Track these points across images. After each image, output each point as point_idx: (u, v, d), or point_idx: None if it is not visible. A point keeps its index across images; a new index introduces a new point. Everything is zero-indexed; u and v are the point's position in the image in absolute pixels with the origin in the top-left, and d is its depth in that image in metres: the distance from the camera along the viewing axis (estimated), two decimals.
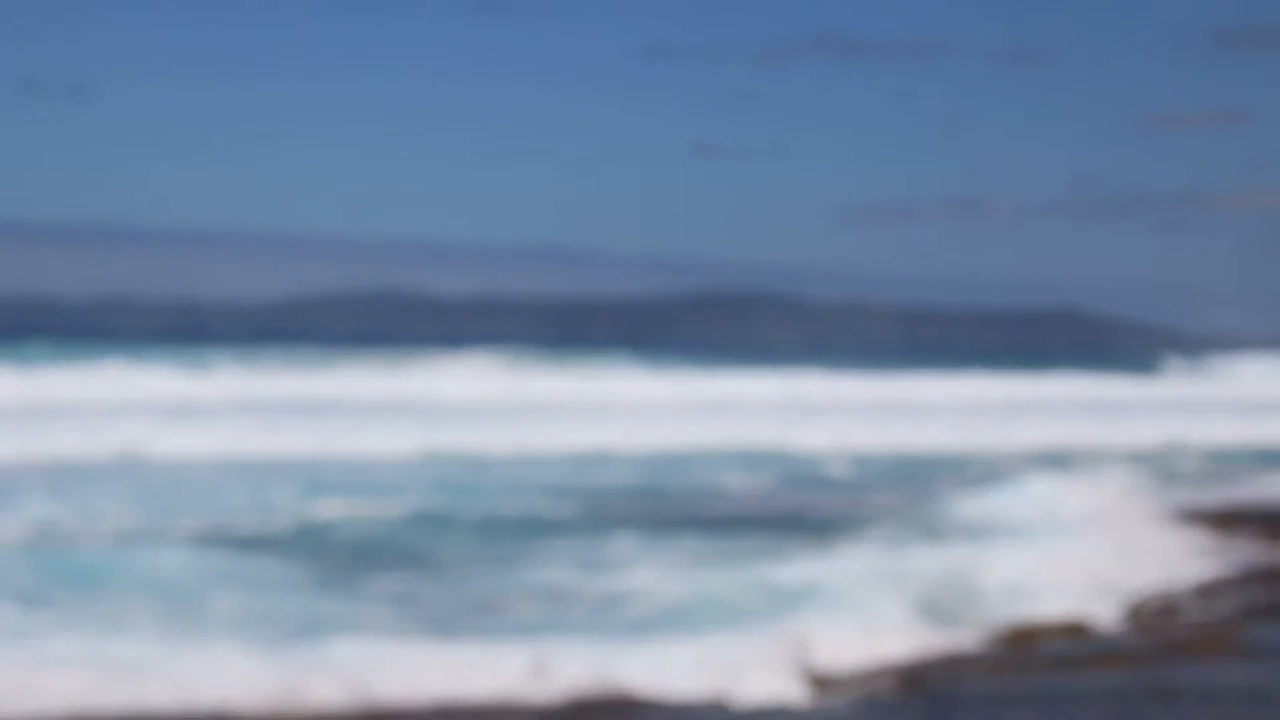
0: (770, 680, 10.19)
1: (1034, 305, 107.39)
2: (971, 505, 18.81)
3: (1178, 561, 15.38)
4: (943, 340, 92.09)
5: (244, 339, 52.80)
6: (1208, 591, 14.08)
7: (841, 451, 27.80)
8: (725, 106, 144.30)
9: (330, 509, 18.21)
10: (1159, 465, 26.50)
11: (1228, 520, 18.58)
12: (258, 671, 9.80)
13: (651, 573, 13.87)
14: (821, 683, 10.37)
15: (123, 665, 9.92)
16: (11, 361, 40.42)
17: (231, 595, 12.52)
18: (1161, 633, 12.21)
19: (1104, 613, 12.85)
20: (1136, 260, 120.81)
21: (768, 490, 21.91)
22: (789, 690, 10.09)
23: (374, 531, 16.69)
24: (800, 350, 69.54)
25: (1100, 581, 13.96)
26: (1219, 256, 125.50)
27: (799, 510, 19.20)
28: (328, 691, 9.66)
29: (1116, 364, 70.35)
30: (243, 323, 75.75)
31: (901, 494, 21.09)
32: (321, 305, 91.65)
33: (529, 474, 22.95)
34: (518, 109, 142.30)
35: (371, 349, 52.02)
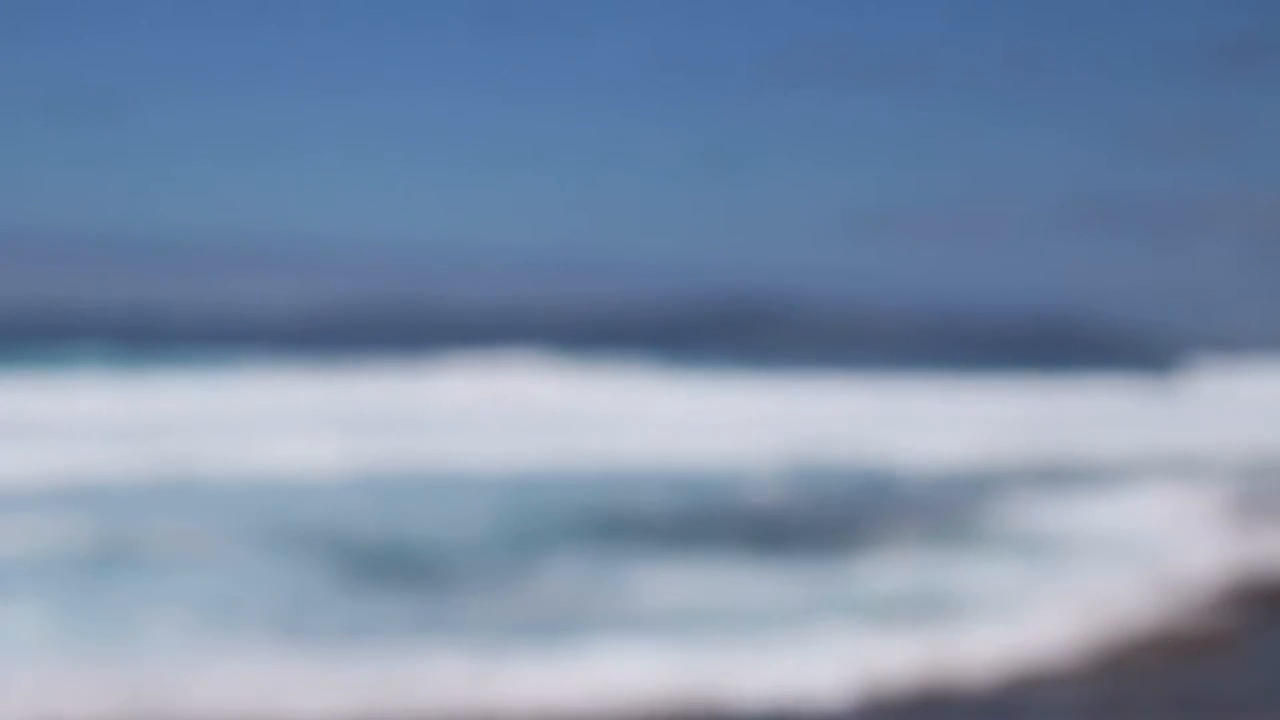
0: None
1: (1039, 312, 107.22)
2: (1057, 517, 18.75)
3: None
4: (956, 347, 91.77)
5: (273, 349, 52.66)
6: None
7: (878, 460, 27.69)
8: (732, 117, 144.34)
9: (385, 520, 18.30)
10: (1214, 471, 26.16)
11: None
12: (355, 683, 10.05)
13: (743, 583, 14.01)
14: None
15: (209, 678, 10.19)
16: (46, 372, 40.47)
17: (307, 607, 12.66)
18: None
19: None
20: (1136, 266, 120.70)
21: (825, 500, 21.67)
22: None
23: (445, 543, 16.74)
24: (812, 359, 69.32)
25: None
26: (1216, 262, 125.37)
27: (863, 521, 19.04)
28: (434, 701, 9.84)
29: (1129, 369, 70.11)
30: (270, 333, 75.56)
31: (964, 505, 20.76)
32: (345, 314, 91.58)
33: (588, 483, 22.83)
34: (531, 124, 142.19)
35: (395, 357, 51.92)
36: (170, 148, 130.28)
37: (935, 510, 20.13)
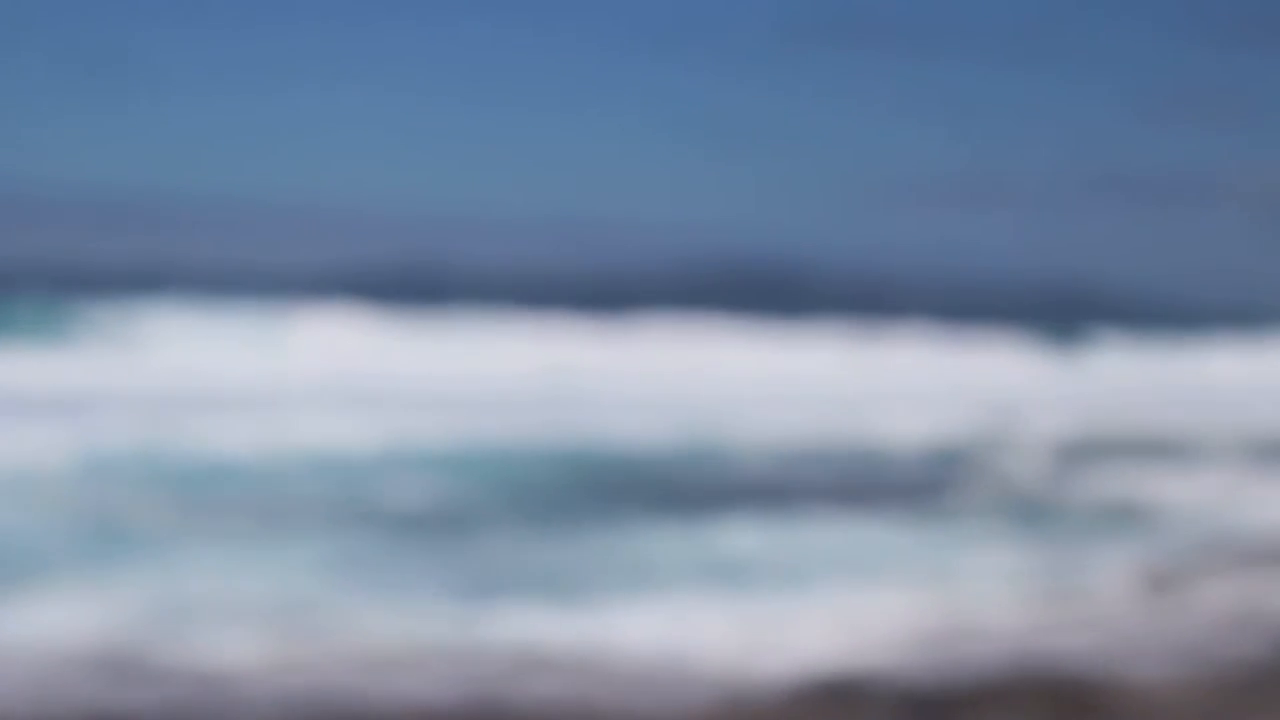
0: None
1: (1050, 283, 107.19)
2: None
3: None
4: (961, 317, 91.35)
5: (278, 306, 51.99)
6: None
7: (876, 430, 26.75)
8: (742, 83, 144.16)
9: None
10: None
11: None
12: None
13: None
14: None
15: None
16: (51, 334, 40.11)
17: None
18: None
19: None
20: (1146, 238, 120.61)
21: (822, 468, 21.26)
22: None
23: (478, 507, 16.57)
24: (827, 323, 68.69)
25: None
26: (1227, 234, 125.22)
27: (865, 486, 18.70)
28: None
29: (1140, 338, 69.31)
30: (273, 292, 75.10)
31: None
32: (353, 275, 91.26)
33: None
34: (535, 82, 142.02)
35: (406, 319, 51.44)
36: (183, 98, 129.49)
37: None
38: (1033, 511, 16.70)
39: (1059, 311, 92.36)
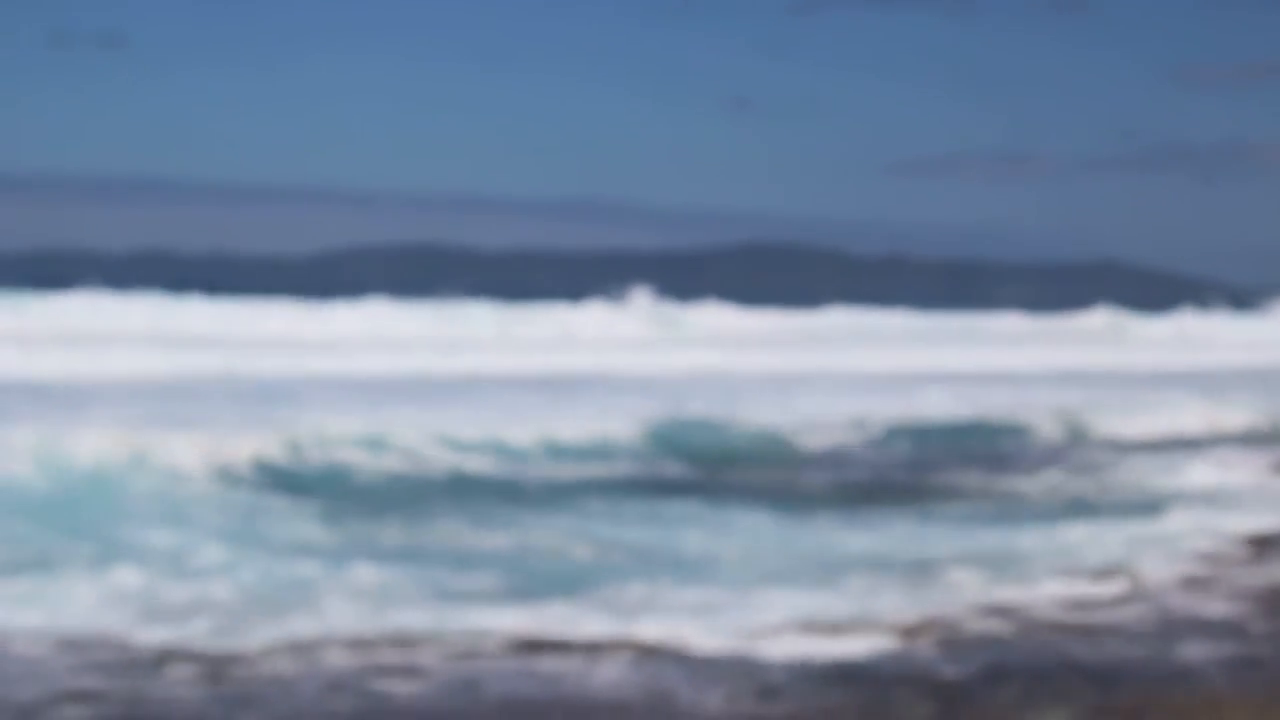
0: None
1: (1077, 258, 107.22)
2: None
3: None
4: (986, 294, 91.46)
5: (281, 293, 51.76)
6: None
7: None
8: (761, 58, 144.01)
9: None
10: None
11: None
12: None
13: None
14: None
15: None
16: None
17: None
18: None
19: None
20: (1178, 212, 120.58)
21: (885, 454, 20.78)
22: None
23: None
24: (846, 301, 68.53)
25: None
26: (1261, 207, 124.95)
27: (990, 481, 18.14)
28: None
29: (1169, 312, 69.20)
30: (280, 277, 75.28)
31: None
32: (361, 259, 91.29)
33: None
34: (550, 64, 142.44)
35: (415, 302, 51.21)
36: (177, 79, 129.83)
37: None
38: (1106, 497, 16.32)
39: (1123, 289, 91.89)
